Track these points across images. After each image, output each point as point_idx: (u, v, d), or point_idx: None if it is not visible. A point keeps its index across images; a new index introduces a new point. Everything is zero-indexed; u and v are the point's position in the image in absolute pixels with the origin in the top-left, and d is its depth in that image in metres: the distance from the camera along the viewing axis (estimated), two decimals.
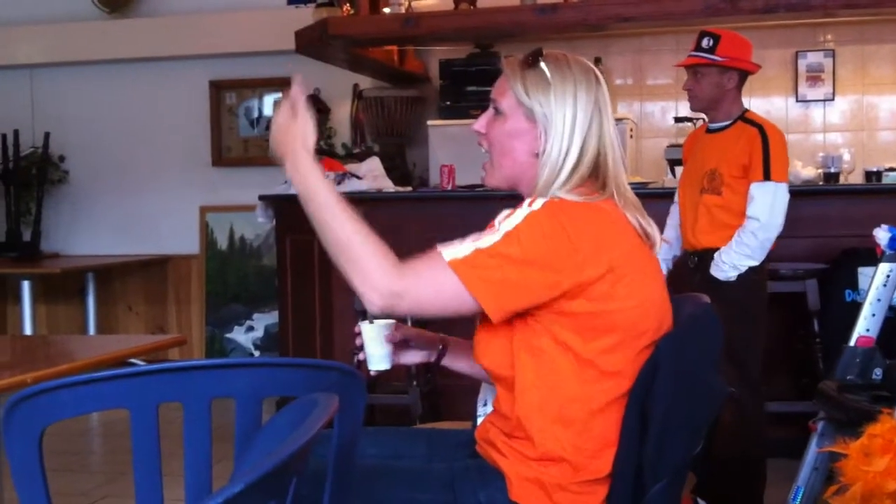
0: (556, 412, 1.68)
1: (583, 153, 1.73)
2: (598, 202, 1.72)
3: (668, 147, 5.35)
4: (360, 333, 1.91)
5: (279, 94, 6.40)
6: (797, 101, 5.78)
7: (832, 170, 4.46)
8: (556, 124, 1.73)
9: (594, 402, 1.69)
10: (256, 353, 6.34)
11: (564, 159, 1.72)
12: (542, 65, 1.75)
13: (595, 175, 1.75)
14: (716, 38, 3.35)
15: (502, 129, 1.79)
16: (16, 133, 6.45)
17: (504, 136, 1.79)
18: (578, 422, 1.68)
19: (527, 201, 1.68)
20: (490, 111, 1.82)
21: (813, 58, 5.72)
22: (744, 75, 3.41)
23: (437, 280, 1.61)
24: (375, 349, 1.89)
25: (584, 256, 1.63)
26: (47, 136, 6.44)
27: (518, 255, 1.60)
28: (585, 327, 1.67)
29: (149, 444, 1.40)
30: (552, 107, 1.73)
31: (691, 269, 3.48)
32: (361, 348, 1.90)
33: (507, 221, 1.64)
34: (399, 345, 1.95)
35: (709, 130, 3.49)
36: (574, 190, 1.72)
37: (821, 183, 4.42)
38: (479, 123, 1.83)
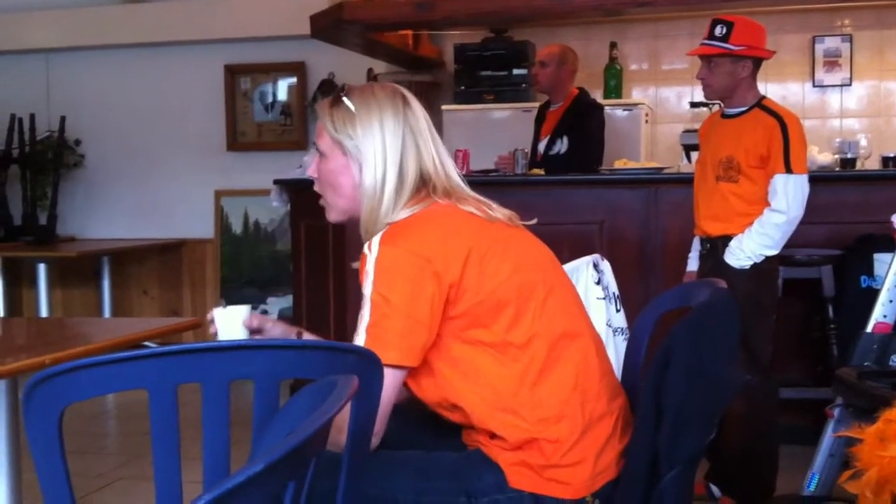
0: (501, 404, 1.73)
1: (402, 174, 1.80)
2: (429, 207, 1.78)
3: (683, 132, 5.33)
4: (213, 320, 1.88)
5: (294, 79, 6.41)
6: (814, 86, 5.75)
7: (849, 155, 4.43)
8: (366, 153, 1.81)
9: (529, 376, 1.73)
10: None
11: (383, 185, 1.80)
12: (345, 99, 1.84)
13: (424, 186, 1.82)
14: (729, 25, 3.30)
15: (326, 168, 1.87)
16: (32, 117, 6.47)
17: (329, 175, 1.87)
18: (526, 400, 1.73)
19: (365, 247, 1.74)
20: (317, 155, 1.90)
21: (830, 42, 5.69)
22: (758, 62, 3.37)
23: None
24: (231, 335, 1.85)
25: (441, 259, 1.70)
26: (63, 120, 6.46)
27: (392, 309, 1.68)
28: (480, 316, 1.72)
29: (167, 425, 1.40)
30: (360, 138, 1.81)
31: (703, 255, 3.46)
32: (216, 335, 1.87)
33: (366, 286, 1.71)
34: (255, 333, 1.94)
35: (724, 116, 3.46)
36: (405, 206, 1.79)
37: (837, 169, 4.39)
38: (310, 169, 1.92)
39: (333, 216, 1.93)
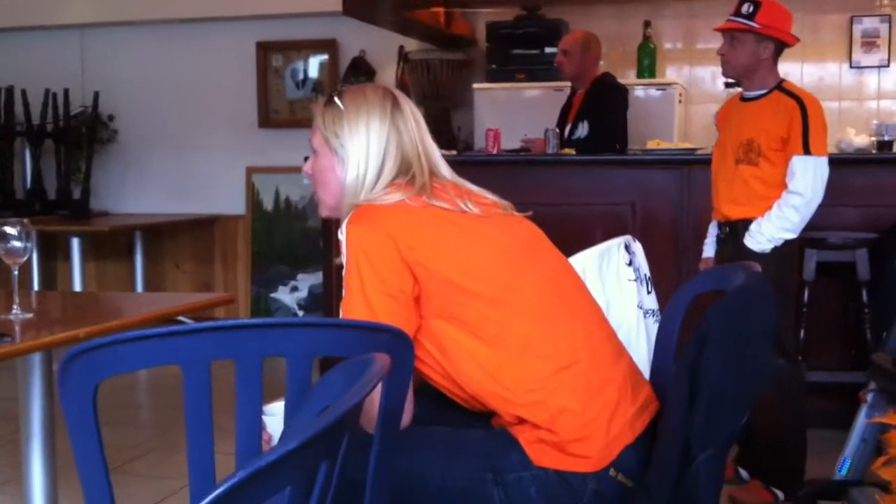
0: (490, 381, 1.75)
1: (382, 171, 1.87)
2: (397, 203, 1.81)
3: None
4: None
5: (326, 56, 6.41)
6: (851, 67, 5.67)
7: (886, 138, 4.37)
8: (350, 152, 1.87)
9: (513, 352, 1.75)
10: (300, 313, 6.40)
11: (363, 182, 1.86)
12: (337, 100, 1.91)
13: (402, 176, 1.87)
14: (756, 4, 3.30)
15: (317, 165, 1.95)
16: (66, 92, 6.51)
17: (320, 172, 1.95)
18: (513, 376, 1.74)
19: (338, 233, 1.80)
20: (312, 154, 1.97)
21: (868, 23, 5.60)
22: (780, 46, 3.35)
23: None
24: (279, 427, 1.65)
25: (402, 238, 1.75)
26: (97, 95, 6.50)
27: (362, 284, 1.72)
28: (453, 295, 1.76)
29: (201, 401, 1.41)
30: (346, 137, 1.88)
31: (722, 239, 3.44)
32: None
33: (344, 267, 1.77)
34: None
35: (743, 99, 3.43)
36: (376, 192, 1.85)
37: (874, 151, 4.34)
38: (306, 166, 1.99)
39: (324, 212, 2.00)
